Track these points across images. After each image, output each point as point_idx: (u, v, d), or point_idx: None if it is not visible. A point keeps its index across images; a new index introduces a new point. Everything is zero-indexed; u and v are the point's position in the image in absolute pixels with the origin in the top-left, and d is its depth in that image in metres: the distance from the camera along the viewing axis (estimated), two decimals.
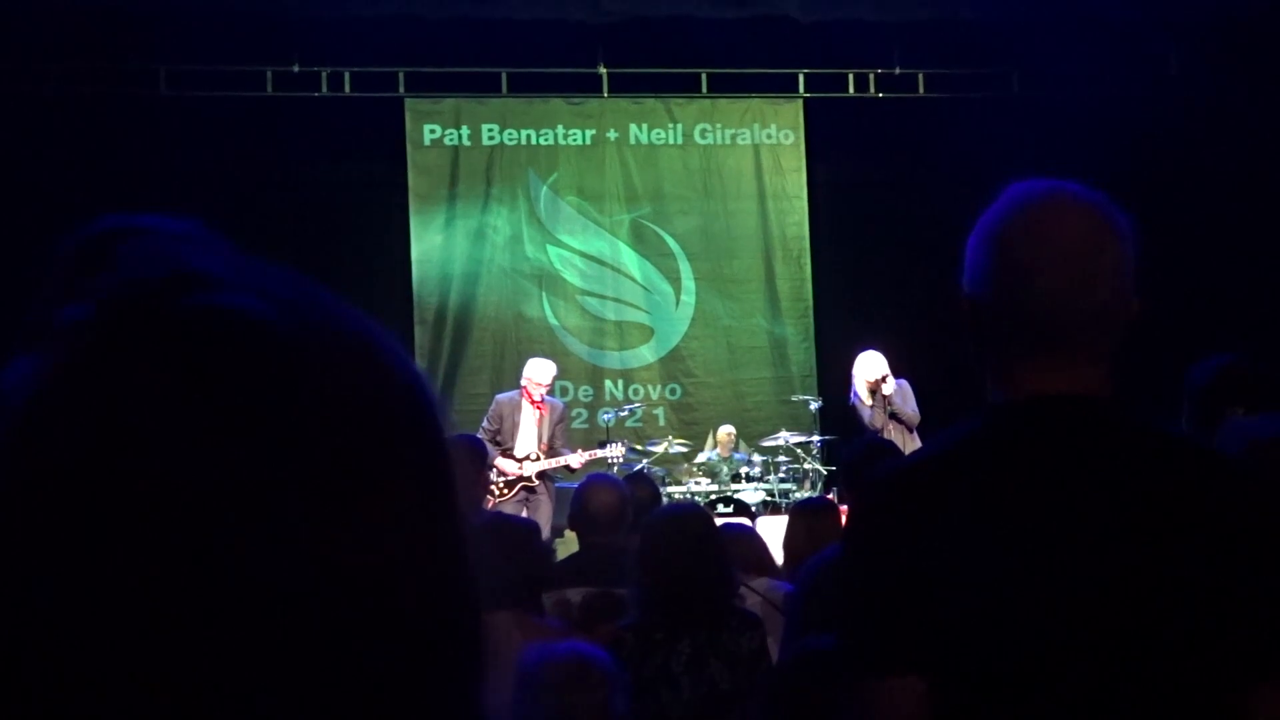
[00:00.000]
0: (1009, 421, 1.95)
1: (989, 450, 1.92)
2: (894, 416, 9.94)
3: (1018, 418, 1.94)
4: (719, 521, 5.71)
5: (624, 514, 5.66)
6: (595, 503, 5.62)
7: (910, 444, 9.42)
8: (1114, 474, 1.87)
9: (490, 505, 9.69)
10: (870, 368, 10.09)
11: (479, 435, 9.78)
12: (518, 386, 10.43)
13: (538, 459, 10.16)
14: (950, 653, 1.80)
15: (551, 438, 10.23)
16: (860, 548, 1.94)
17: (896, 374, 10.10)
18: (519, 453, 10.17)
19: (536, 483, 10.19)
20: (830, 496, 9.66)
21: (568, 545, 7.76)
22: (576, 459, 10.35)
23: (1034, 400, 1.93)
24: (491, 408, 10.47)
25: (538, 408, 10.24)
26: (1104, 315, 1.91)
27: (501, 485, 10.04)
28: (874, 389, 10.01)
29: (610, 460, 10.96)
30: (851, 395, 10.20)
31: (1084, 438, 1.90)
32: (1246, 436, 2.86)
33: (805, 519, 5.71)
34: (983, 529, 1.82)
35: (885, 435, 9.64)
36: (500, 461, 10.04)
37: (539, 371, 10.30)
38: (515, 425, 10.21)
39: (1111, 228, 1.93)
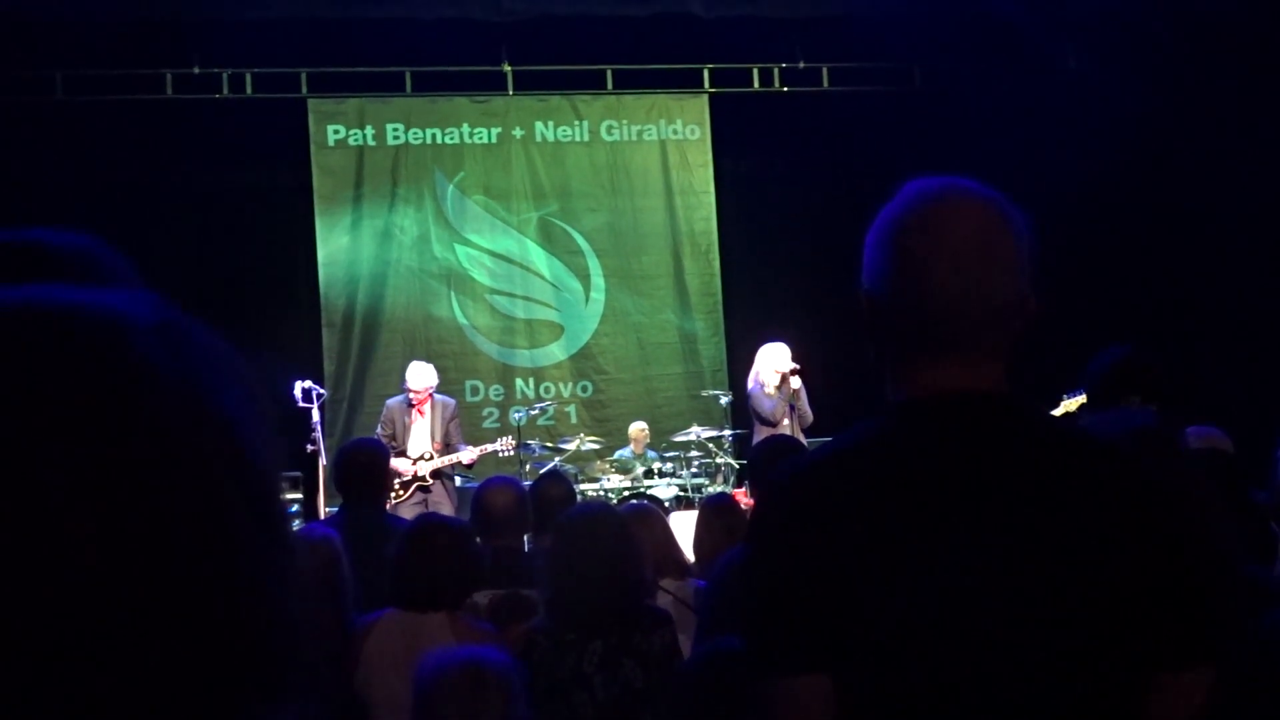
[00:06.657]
0: (910, 419, 1.95)
1: (891, 448, 1.92)
2: (794, 411, 10.02)
3: (919, 415, 1.94)
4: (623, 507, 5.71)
5: (523, 515, 5.66)
6: (494, 505, 5.61)
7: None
8: (1015, 469, 1.88)
9: (387, 508, 9.69)
10: (782, 358, 10.16)
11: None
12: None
13: (431, 458, 10.30)
14: (855, 650, 1.80)
15: (445, 435, 10.32)
16: (763, 547, 1.93)
17: (802, 369, 10.19)
18: (412, 453, 10.33)
19: (431, 483, 10.32)
20: (734, 492, 9.74)
21: None
22: (468, 455, 10.49)
23: (934, 397, 1.93)
24: (383, 412, 10.66)
25: (420, 411, 10.37)
26: (1001, 312, 1.91)
27: (397, 487, 10.10)
28: (784, 380, 10.08)
29: (501, 453, 11.10)
30: (752, 384, 10.25)
31: (985, 434, 1.91)
32: (1132, 426, 2.90)
33: (710, 517, 5.72)
34: (886, 527, 1.82)
35: (784, 428, 9.75)
36: (395, 462, 10.09)
37: (414, 378, 10.43)
38: (406, 428, 10.39)
39: (1007, 225, 1.93)
